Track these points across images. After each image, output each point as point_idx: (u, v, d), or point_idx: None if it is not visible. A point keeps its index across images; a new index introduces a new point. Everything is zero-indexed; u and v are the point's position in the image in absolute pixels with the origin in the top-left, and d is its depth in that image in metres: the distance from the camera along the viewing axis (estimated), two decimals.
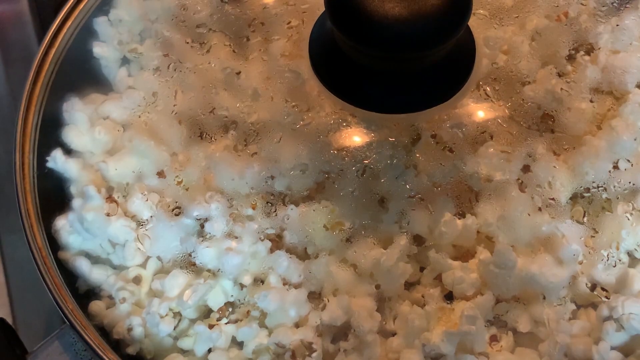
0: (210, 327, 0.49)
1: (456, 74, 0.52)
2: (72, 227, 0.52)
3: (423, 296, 0.50)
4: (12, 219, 0.65)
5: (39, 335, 0.64)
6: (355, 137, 0.52)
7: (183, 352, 0.50)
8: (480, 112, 0.53)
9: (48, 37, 0.58)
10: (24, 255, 0.62)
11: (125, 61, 0.60)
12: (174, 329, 0.49)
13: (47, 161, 0.55)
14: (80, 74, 0.59)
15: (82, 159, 0.55)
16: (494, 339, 0.49)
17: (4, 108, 0.75)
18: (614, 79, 0.55)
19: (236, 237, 0.50)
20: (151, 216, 0.52)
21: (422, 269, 0.51)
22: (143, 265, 0.52)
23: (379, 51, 0.47)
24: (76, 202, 0.52)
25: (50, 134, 0.56)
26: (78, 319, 0.47)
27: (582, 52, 0.56)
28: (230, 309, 0.50)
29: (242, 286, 0.50)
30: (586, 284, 0.50)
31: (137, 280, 0.51)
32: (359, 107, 0.51)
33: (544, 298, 0.49)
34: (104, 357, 0.46)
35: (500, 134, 0.53)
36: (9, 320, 0.61)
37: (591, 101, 0.54)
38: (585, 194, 0.52)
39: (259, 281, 0.50)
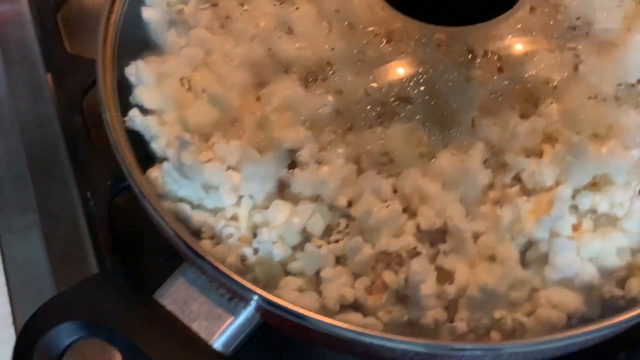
0: (317, 247, 0.52)
1: None
2: (167, 177, 0.54)
3: (502, 197, 0.54)
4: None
5: None
6: (418, 59, 0.56)
7: (293, 275, 0.53)
8: (530, 23, 0.57)
9: (107, 6, 0.60)
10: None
11: (174, 23, 0.63)
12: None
13: (125, 122, 0.57)
14: (137, 40, 0.62)
15: (157, 116, 0.58)
16: (576, 223, 0.53)
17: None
18: None
19: (326, 163, 0.53)
20: (239, 156, 0.54)
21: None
22: (237, 204, 0.54)
23: None
24: (170, 151, 0.54)
25: (123, 99, 0.58)
26: (204, 252, 0.49)
27: None
28: (331, 231, 0.53)
29: (338, 208, 0.53)
30: None
31: (234, 218, 0.54)
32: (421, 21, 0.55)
33: (615, 182, 0.53)
34: (235, 279, 0.48)
35: (550, 39, 0.57)
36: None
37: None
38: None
39: (354, 201, 0.53)
